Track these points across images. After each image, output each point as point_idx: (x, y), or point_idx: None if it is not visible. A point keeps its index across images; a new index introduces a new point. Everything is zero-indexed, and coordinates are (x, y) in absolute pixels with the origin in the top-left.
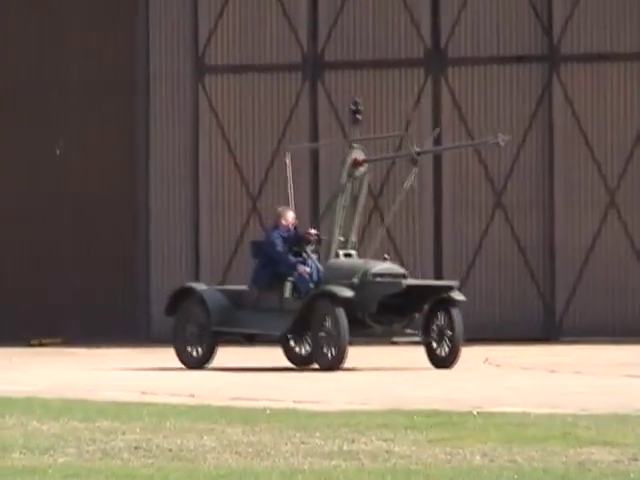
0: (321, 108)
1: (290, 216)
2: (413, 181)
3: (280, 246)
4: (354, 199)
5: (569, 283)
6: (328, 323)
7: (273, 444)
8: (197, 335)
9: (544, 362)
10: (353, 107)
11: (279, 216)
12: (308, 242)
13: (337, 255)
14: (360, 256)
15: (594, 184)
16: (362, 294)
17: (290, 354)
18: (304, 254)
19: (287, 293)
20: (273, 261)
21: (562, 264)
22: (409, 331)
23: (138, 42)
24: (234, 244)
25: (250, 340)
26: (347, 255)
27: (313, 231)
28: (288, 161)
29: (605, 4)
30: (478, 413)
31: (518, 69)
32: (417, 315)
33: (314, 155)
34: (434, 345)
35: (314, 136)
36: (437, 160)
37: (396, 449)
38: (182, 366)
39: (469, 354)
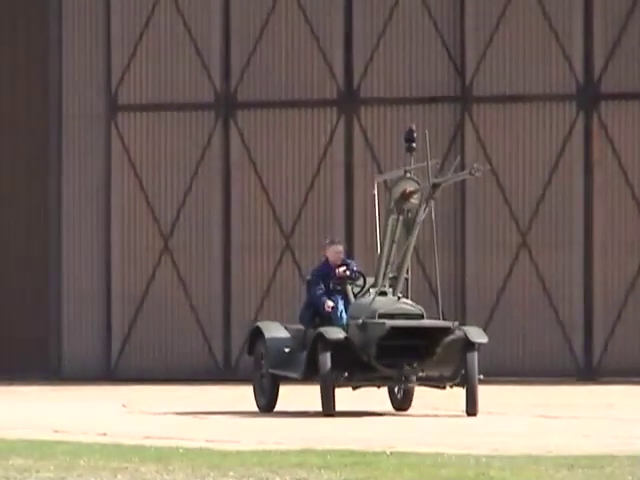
0: (233, 147)
1: (334, 251)
2: (427, 213)
3: (314, 284)
4: (408, 234)
5: (480, 324)
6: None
7: None
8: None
9: (454, 403)
10: (407, 135)
11: (325, 250)
12: (339, 280)
13: (369, 293)
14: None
15: (506, 225)
16: (364, 335)
17: (391, 397)
18: (343, 292)
19: None
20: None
21: (473, 304)
22: (421, 375)
23: (51, 80)
24: (145, 284)
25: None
26: (382, 293)
27: (341, 269)
28: (376, 192)
29: (517, 46)
30: (391, 453)
31: (430, 109)
32: (433, 358)
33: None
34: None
35: (226, 176)
36: (349, 199)
37: None
38: (93, 404)
39: (379, 393)
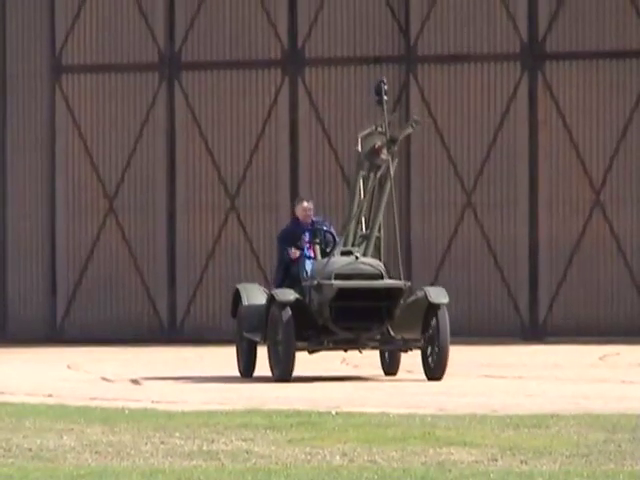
0: (178, 108)
1: (303, 208)
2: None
3: (282, 243)
4: (380, 190)
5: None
6: (278, 329)
7: (133, 444)
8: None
9: (401, 363)
10: (378, 89)
11: (294, 208)
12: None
13: (335, 253)
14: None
15: (451, 185)
16: (319, 297)
17: (382, 362)
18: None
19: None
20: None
21: (419, 264)
22: (379, 337)
23: None
24: (90, 245)
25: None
26: (346, 253)
27: (297, 254)
28: (359, 149)
29: (461, 6)
30: (337, 413)
31: (375, 70)
32: (393, 320)
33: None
34: (428, 352)
35: (171, 137)
36: (294, 160)
37: (256, 449)
38: (38, 365)
39: (325, 355)
